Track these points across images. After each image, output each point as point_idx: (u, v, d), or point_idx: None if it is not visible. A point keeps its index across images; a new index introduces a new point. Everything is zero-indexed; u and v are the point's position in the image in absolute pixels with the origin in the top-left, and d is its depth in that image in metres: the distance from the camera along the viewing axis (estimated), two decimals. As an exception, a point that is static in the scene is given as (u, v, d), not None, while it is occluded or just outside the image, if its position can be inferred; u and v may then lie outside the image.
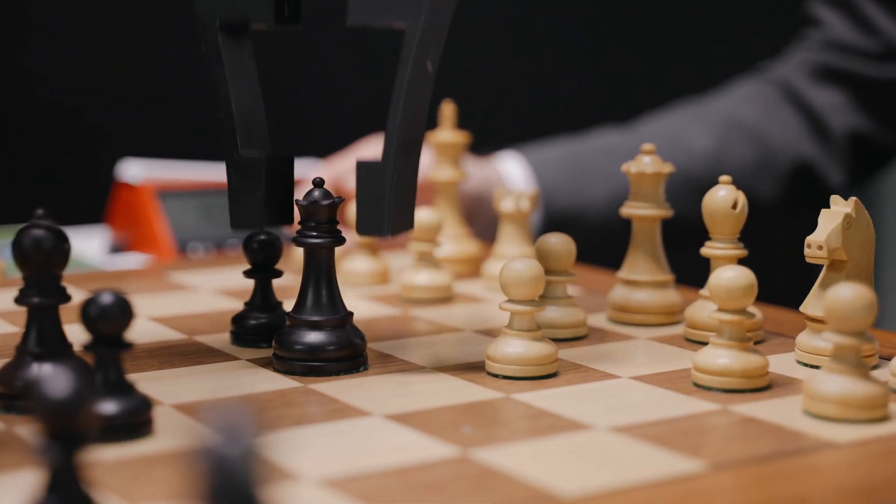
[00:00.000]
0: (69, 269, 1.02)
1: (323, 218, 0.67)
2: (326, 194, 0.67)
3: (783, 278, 1.11)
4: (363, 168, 0.65)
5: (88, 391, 0.40)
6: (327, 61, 1.73)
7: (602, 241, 1.13)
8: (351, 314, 0.68)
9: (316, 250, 0.67)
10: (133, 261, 1.12)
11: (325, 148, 1.27)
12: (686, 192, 1.08)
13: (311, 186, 0.68)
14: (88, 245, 1.19)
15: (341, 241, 0.68)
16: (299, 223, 0.68)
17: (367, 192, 0.65)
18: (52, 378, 0.40)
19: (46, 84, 1.63)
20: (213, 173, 1.22)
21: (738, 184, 1.23)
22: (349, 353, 0.67)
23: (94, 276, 0.96)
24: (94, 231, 1.24)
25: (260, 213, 0.67)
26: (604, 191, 1.20)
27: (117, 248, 1.18)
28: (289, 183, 0.69)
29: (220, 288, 0.91)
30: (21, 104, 1.62)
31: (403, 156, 0.65)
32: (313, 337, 0.67)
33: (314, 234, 0.67)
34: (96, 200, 1.32)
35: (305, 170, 1.19)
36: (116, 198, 1.20)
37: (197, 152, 1.34)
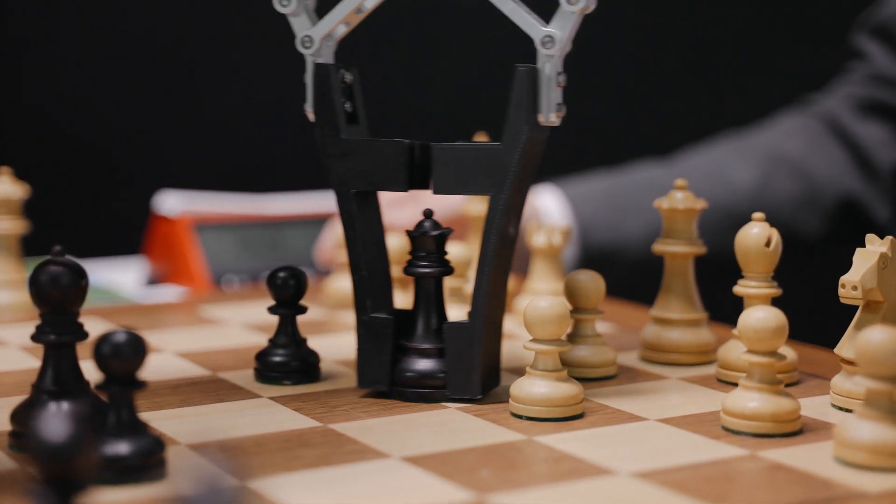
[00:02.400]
0: (103, 301, 1.02)
1: (432, 248, 0.69)
2: (436, 225, 0.69)
3: (828, 317, 1.08)
4: (451, 329, 0.67)
5: (86, 435, 0.39)
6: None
7: (641, 277, 1.11)
8: None
9: (425, 279, 0.69)
10: (168, 293, 1.12)
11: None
12: (728, 227, 1.06)
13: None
14: (125, 277, 1.19)
15: (450, 270, 0.70)
16: (409, 253, 0.70)
17: (455, 354, 0.67)
18: (49, 421, 0.39)
19: (89, 117, 1.64)
20: (250, 206, 1.21)
21: (781, 219, 1.22)
22: None
23: (126, 310, 0.96)
24: (131, 263, 1.25)
25: (387, 373, 0.68)
26: (643, 226, 1.18)
27: (154, 281, 1.18)
28: None
29: (250, 322, 0.90)
30: (66, 137, 1.63)
31: (490, 318, 0.68)
32: (423, 364, 0.68)
33: (424, 263, 0.69)
34: (136, 232, 1.32)
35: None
36: (154, 230, 1.20)
37: (235, 184, 1.34)
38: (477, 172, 0.67)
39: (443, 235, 0.69)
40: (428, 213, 0.70)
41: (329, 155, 0.69)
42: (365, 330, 0.69)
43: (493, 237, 0.67)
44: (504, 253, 0.68)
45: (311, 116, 0.70)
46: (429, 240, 0.69)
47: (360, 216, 0.69)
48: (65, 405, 0.58)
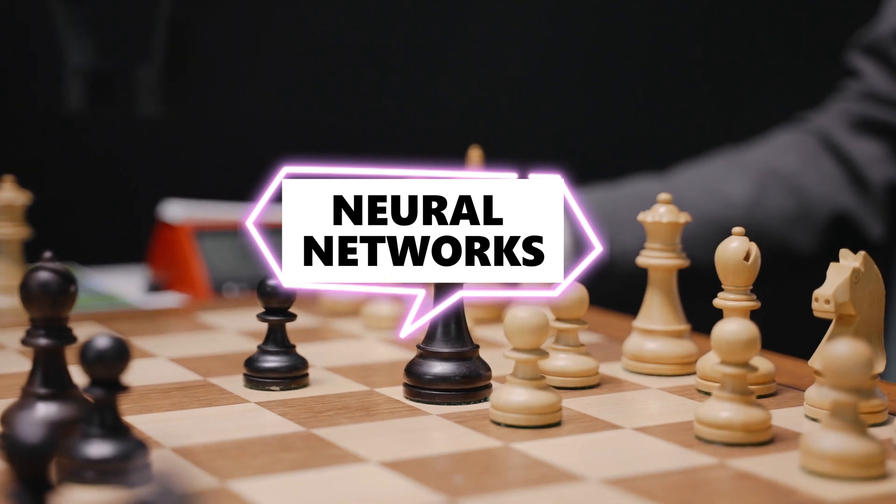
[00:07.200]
0: (104, 306, 1.04)
1: None
2: None
3: (817, 330, 1.10)
4: None
5: (58, 438, 0.41)
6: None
7: (635, 289, 1.12)
8: (477, 347, 0.72)
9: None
10: (169, 300, 1.13)
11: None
12: (722, 241, 1.08)
13: None
14: (128, 284, 1.21)
15: None
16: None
17: None
18: (23, 423, 0.41)
19: (97, 126, 1.66)
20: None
21: (775, 234, 1.23)
22: (475, 383, 0.71)
23: (124, 315, 0.98)
24: (134, 270, 1.26)
25: None
26: (637, 238, 1.19)
27: (156, 288, 1.20)
28: None
29: (245, 329, 0.92)
30: (74, 145, 1.66)
31: None
32: (441, 368, 0.71)
33: None
34: (142, 241, 1.34)
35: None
36: (157, 237, 1.22)
37: (238, 193, 1.35)
38: None
39: None
40: None
41: None
42: None
43: None
44: None
45: None
46: None
47: None
48: (44, 408, 0.59)
